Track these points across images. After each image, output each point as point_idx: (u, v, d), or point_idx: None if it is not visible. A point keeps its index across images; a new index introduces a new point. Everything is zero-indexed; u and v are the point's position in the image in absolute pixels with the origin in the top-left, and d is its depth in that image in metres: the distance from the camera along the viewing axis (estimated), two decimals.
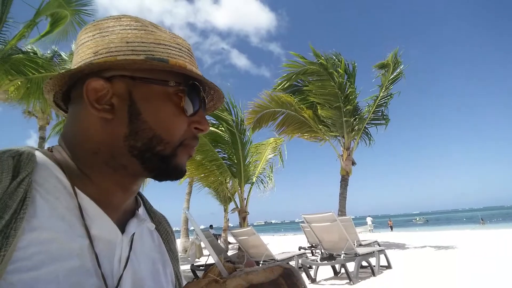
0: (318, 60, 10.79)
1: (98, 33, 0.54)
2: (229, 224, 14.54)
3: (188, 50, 0.59)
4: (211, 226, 18.13)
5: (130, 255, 0.54)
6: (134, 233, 0.57)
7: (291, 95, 11.55)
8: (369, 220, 34.54)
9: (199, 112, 0.57)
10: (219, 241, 12.73)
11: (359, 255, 5.93)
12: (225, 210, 14.28)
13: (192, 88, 0.55)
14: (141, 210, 0.64)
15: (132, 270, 0.53)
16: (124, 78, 0.52)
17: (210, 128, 10.75)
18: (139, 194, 0.68)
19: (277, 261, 6.22)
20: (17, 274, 0.38)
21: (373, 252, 6.42)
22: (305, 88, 11.71)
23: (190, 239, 12.75)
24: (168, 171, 0.55)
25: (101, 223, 0.50)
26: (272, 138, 11.84)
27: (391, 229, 32.72)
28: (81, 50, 0.55)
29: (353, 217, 8.98)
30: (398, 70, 11.16)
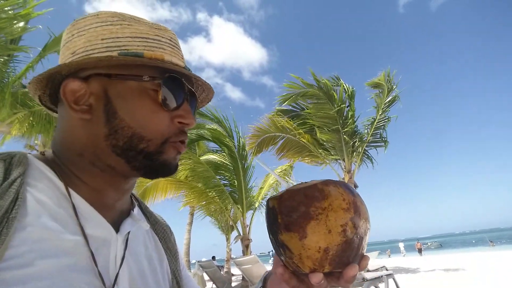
0: (318, 84, 11.01)
1: (76, 33, 0.53)
2: (232, 256, 14.11)
3: (170, 40, 0.57)
4: (213, 258, 17.58)
5: (126, 253, 0.53)
6: (129, 232, 0.56)
7: (289, 120, 11.71)
8: (401, 245, 34.49)
9: (183, 106, 0.54)
10: (222, 272, 12.29)
11: (367, 280, 5.72)
12: (227, 240, 13.92)
13: (170, 80, 0.53)
14: (136, 210, 0.63)
15: (128, 269, 0.53)
16: (100, 77, 0.51)
17: (211, 156, 10.82)
18: (134, 196, 0.67)
19: None
20: (10, 271, 0.38)
21: (381, 276, 6.19)
22: (304, 111, 11.90)
23: (191, 271, 12.32)
24: (156, 168, 0.53)
25: (95, 222, 0.50)
26: (280, 166, 11.99)
27: (420, 252, 30.95)
28: (62, 52, 0.54)
29: None
30: (394, 94, 11.36)
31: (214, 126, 10.15)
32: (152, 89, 0.51)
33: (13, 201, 0.41)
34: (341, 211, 0.43)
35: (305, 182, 0.46)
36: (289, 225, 0.43)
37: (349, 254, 0.43)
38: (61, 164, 0.52)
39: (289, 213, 0.43)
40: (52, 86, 0.55)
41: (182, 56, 0.58)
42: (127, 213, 0.59)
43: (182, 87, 0.54)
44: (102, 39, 0.51)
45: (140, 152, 0.51)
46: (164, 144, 0.52)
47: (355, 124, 11.76)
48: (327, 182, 0.45)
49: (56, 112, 0.58)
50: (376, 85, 11.42)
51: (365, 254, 0.47)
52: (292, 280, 0.46)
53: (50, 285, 0.40)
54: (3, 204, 0.40)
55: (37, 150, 11.56)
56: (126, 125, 0.50)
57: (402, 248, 33.60)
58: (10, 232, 0.39)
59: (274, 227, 0.45)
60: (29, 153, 0.52)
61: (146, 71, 0.51)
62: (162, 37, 0.55)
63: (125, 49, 0.51)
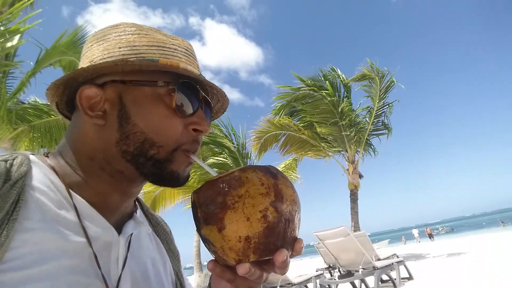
0: (304, 86, 11.05)
1: (95, 43, 0.54)
2: None
3: (186, 49, 0.57)
4: None
5: (128, 255, 0.53)
6: (131, 234, 0.57)
7: (288, 117, 11.69)
8: (415, 232, 34.51)
9: (198, 113, 0.54)
10: None
11: (377, 268, 5.70)
12: None
13: (185, 87, 0.53)
14: (139, 213, 0.64)
15: (130, 271, 0.53)
16: (115, 83, 0.51)
17: (214, 159, 10.83)
18: (137, 198, 0.67)
19: (295, 284, 6.01)
20: (9, 273, 0.38)
21: (392, 264, 6.17)
22: (300, 109, 11.88)
23: (203, 272, 12.36)
24: (163, 177, 0.53)
25: (97, 224, 0.50)
26: (284, 161, 12.03)
27: (431, 238, 30.96)
28: (82, 60, 0.56)
29: (369, 233, 8.71)
30: (388, 80, 11.27)
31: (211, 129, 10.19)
32: (166, 94, 0.52)
33: (14, 203, 0.41)
34: (259, 196, 0.41)
35: (226, 171, 0.45)
36: (207, 218, 0.42)
37: (274, 239, 0.42)
38: (68, 166, 0.53)
39: (207, 206, 0.42)
40: (69, 93, 0.56)
41: (198, 65, 0.59)
42: (129, 215, 0.60)
43: (197, 94, 0.54)
44: (120, 48, 0.52)
45: (149, 158, 0.51)
46: (174, 152, 0.52)
47: (354, 114, 11.70)
48: (245, 169, 0.44)
49: (69, 119, 0.59)
50: (363, 77, 11.32)
51: (299, 237, 0.45)
52: (225, 273, 0.46)
53: (50, 287, 0.40)
54: (4, 205, 0.40)
55: None
56: (139, 130, 0.50)
57: (416, 235, 33.59)
58: (11, 234, 0.39)
59: (196, 222, 0.45)
60: (32, 154, 0.52)
61: (161, 77, 0.52)
62: (178, 46, 0.56)
63: (141, 57, 0.52)
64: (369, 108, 11.79)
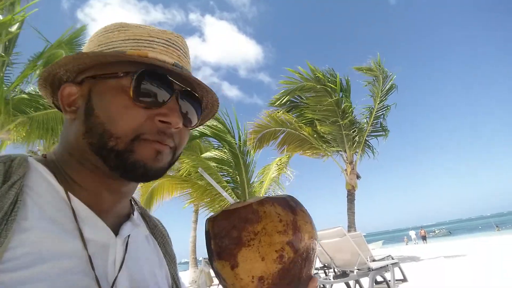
0: (315, 75, 10.96)
1: (87, 45, 0.57)
2: None
3: (167, 40, 0.55)
4: None
5: (125, 257, 0.53)
6: (128, 236, 0.57)
7: (287, 112, 11.67)
8: (412, 233, 35.14)
9: (169, 104, 0.51)
10: None
11: (372, 270, 5.73)
12: None
13: (152, 76, 0.51)
14: (136, 215, 0.64)
15: (128, 273, 0.53)
16: (89, 79, 0.52)
17: (214, 152, 10.82)
18: (134, 200, 0.68)
19: None
20: (7, 273, 0.38)
21: (387, 265, 6.20)
22: (302, 103, 11.86)
23: (198, 268, 12.41)
24: (127, 169, 0.50)
25: (94, 225, 0.50)
26: (278, 158, 11.98)
27: (424, 240, 31.31)
28: None
29: (364, 234, 8.76)
30: (390, 82, 11.27)
31: (213, 122, 10.13)
32: (129, 85, 0.50)
33: (13, 204, 0.42)
34: (276, 234, 0.40)
35: (243, 201, 0.44)
36: (220, 253, 0.41)
37: (289, 280, 0.40)
38: (59, 165, 0.53)
39: (221, 239, 0.41)
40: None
41: (180, 56, 0.56)
42: (126, 217, 0.60)
43: (168, 84, 0.52)
44: (99, 45, 0.54)
45: (111, 150, 0.49)
46: (134, 141, 0.49)
47: (354, 114, 11.70)
48: (263, 202, 0.42)
49: None
50: (370, 72, 11.28)
51: (314, 276, 0.45)
52: None
53: (49, 287, 0.40)
54: (2, 206, 0.40)
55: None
56: (99, 122, 0.49)
57: (413, 236, 34.20)
58: (9, 234, 0.40)
59: (209, 253, 0.43)
60: (30, 156, 0.52)
61: (126, 68, 0.51)
62: (158, 38, 0.54)
63: (114, 51, 0.52)
64: (370, 109, 11.79)
